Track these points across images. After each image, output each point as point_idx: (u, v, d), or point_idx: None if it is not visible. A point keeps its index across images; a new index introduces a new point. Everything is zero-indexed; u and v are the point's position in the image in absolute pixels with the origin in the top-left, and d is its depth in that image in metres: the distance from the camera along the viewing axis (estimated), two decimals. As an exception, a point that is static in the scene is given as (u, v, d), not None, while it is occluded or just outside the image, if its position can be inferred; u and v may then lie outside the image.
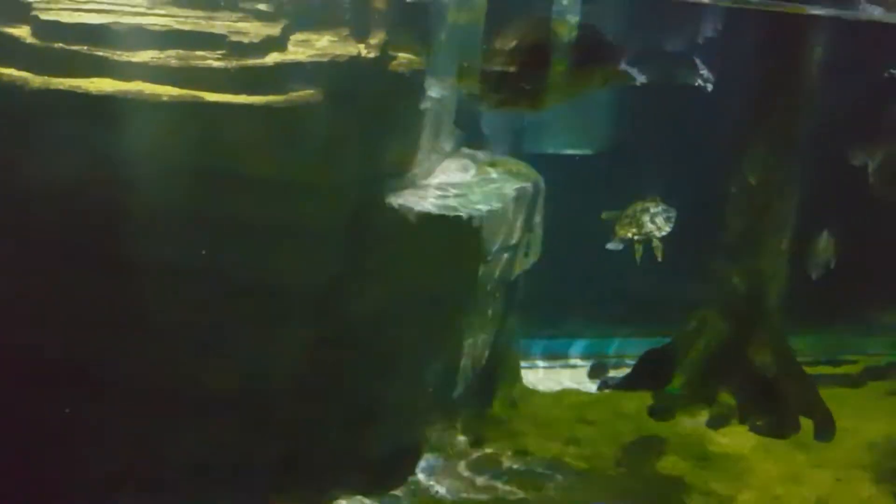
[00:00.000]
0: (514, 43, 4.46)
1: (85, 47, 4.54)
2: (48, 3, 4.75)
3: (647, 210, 5.30)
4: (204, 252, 4.55)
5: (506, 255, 5.46)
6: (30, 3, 4.71)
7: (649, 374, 6.34)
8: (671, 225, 5.31)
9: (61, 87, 4.45)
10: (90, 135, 4.43)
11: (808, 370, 6.35)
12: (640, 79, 4.86)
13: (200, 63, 4.57)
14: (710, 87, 6.89)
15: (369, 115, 4.76)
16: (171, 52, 4.59)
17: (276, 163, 4.61)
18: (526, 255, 5.78)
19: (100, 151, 4.43)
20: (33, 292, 4.61)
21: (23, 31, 4.63)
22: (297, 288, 4.81)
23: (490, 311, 5.62)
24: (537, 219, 5.84)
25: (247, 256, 4.67)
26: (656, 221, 5.26)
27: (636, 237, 5.19)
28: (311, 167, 4.65)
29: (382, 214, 4.91)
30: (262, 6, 4.94)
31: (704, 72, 6.84)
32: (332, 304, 4.89)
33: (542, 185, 5.77)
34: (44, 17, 4.63)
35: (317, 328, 4.88)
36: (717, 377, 6.26)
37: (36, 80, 4.46)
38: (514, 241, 5.50)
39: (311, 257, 4.78)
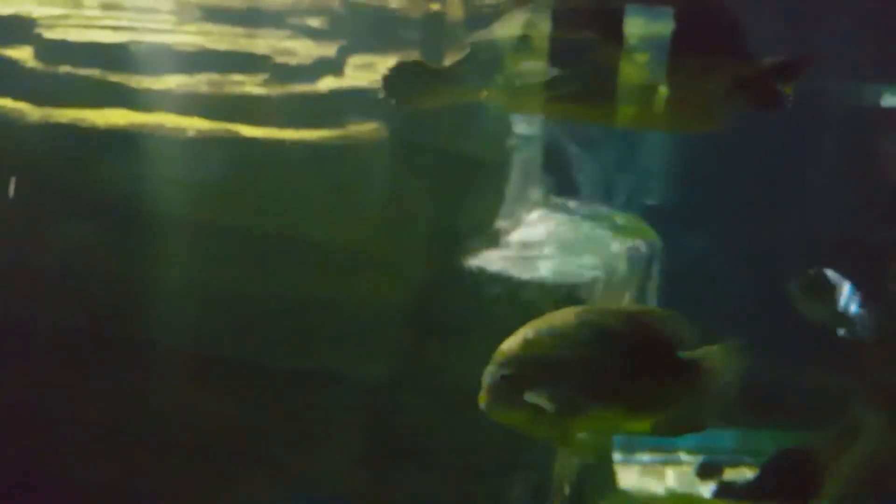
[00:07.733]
0: None
1: (96, 72, 3.84)
2: (55, 18, 3.98)
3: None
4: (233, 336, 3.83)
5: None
6: (34, 20, 3.97)
7: (786, 482, 5.11)
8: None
9: (63, 120, 3.73)
10: (94, 178, 3.74)
11: None
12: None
13: (237, 90, 3.86)
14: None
15: (443, 156, 4.03)
16: (202, 77, 3.87)
17: (328, 218, 3.79)
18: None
19: (105, 200, 3.75)
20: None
21: (24, 53, 3.94)
22: (349, 380, 3.88)
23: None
24: (652, 288, 4.78)
25: (287, 341, 3.85)
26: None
27: None
28: (371, 225, 3.80)
29: (457, 283, 3.99)
30: (314, 22, 4.17)
31: None
32: (389, 398, 3.97)
33: (658, 245, 4.73)
34: (48, 35, 3.94)
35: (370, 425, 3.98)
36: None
37: (35, 113, 3.78)
38: (623, 317, 4.44)
39: (366, 341, 3.88)
